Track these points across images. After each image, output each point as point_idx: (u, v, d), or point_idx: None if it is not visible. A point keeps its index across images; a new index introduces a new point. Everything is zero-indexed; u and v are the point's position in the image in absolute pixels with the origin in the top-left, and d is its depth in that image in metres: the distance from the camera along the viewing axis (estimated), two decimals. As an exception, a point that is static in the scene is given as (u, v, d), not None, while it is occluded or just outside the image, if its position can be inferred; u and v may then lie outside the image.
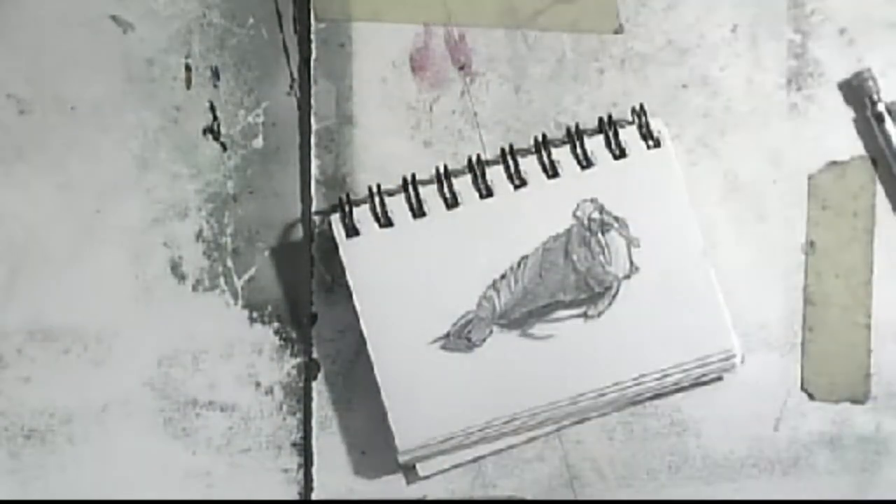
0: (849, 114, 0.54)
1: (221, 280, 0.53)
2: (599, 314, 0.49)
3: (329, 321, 0.52)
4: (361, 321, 0.49)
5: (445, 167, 0.49)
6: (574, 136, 0.50)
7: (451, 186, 0.49)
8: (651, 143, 0.50)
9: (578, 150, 0.49)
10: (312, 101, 0.53)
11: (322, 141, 0.53)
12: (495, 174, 0.49)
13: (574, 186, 0.49)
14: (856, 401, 0.52)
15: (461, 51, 0.53)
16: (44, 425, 0.52)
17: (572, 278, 0.49)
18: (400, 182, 0.51)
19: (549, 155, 0.49)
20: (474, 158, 0.49)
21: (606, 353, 0.49)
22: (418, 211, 0.49)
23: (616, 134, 0.50)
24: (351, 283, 0.49)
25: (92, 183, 0.52)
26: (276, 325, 0.53)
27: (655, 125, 0.50)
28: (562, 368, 0.49)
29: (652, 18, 0.54)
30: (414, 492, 0.52)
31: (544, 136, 0.49)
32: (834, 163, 0.53)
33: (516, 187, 0.49)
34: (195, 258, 0.53)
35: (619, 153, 0.50)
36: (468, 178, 0.50)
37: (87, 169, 0.52)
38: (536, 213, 0.49)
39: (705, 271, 0.49)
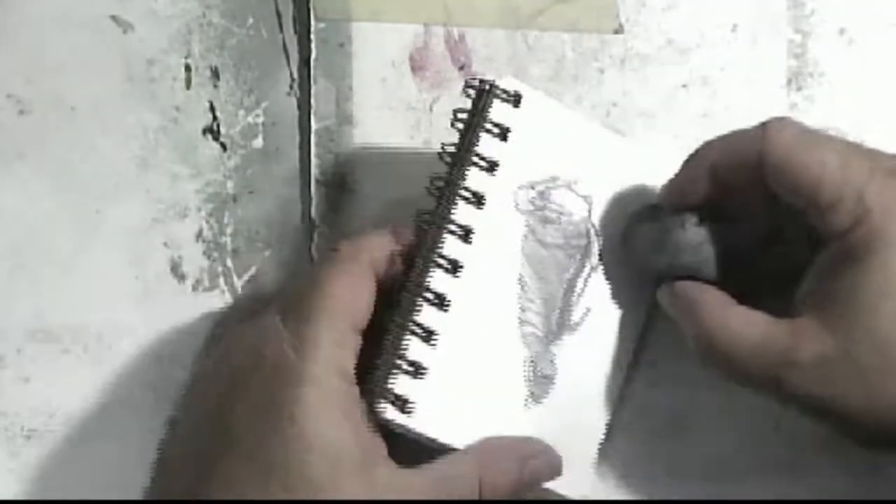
0: (849, 114, 0.54)
1: (221, 280, 0.53)
2: (600, 257, 0.50)
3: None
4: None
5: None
6: (466, 156, 0.48)
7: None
8: (514, 100, 0.49)
9: (482, 163, 0.48)
10: (312, 101, 0.53)
11: (322, 141, 0.53)
12: (446, 248, 0.48)
13: (499, 193, 0.48)
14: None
15: (461, 51, 0.53)
16: (44, 425, 0.52)
17: (560, 254, 0.49)
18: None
19: (467, 190, 0.48)
20: (419, 253, 0.48)
21: (630, 275, 0.50)
22: (440, 303, 0.48)
23: (493, 122, 0.48)
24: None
25: (92, 183, 0.52)
26: (276, 325, 0.53)
27: (508, 85, 0.49)
28: (616, 322, 0.50)
29: (652, 18, 0.54)
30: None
31: (439, 186, 0.48)
32: (834, 163, 0.53)
33: (466, 239, 0.48)
34: (195, 258, 0.53)
35: (503, 132, 0.48)
36: (433, 273, 0.48)
37: (87, 169, 0.52)
38: (497, 241, 0.48)
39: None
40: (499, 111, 0.48)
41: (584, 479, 0.50)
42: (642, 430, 0.52)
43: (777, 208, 0.45)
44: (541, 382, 0.49)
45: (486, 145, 0.48)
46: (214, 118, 0.53)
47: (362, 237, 0.47)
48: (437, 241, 0.47)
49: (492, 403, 0.48)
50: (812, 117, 0.53)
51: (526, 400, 0.49)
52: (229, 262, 0.53)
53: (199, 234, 0.53)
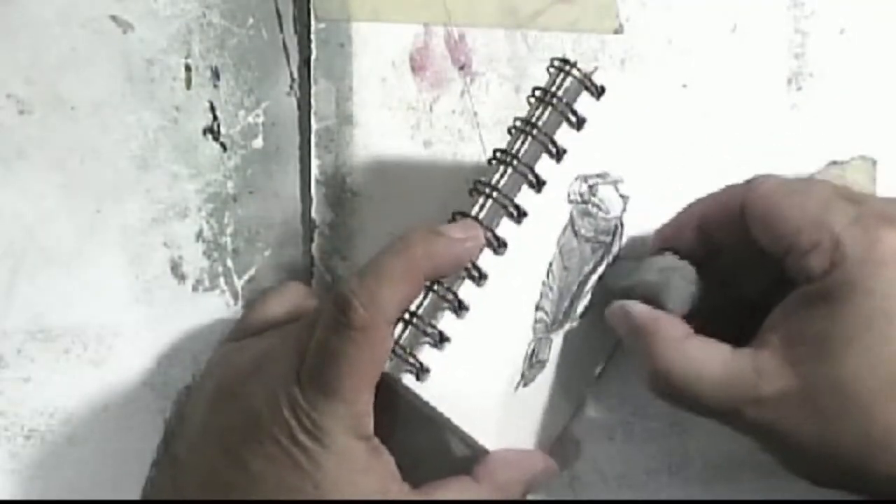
0: (849, 114, 0.54)
1: (221, 280, 0.53)
2: (613, 256, 0.50)
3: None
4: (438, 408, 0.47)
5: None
6: (541, 139, 0.48)
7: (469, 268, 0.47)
8: (597, 91, 0.49)
9: (550, 147, 0.48)
10: (312, 101, 0.53)
11: (322, 141, 0.53)
12: (495, 218, 0.48)
13: (560, 182, 0.48)
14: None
15: (461, 51, 0.54)
16: (44, 425, 0.52)
17: (587, 248, 0.49)
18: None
19: (533, 174, 0.48)
20: (469, 215, 0.47)
21: None
22: (460, 308, 0.47)
23: (568, 106, 0.48)
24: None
25: (92, 183, 0.52)
26: (276, 325, 0.53)
27: (598, 78, 0.49)
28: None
29: (652, 18, 0.54)
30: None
31: (514, 154, 0.48)
32: (834, 163, 0.53)
33: (519, 220, 0.48)
34: (195, 258, 0.53)
35: (579, 122, 0.48)
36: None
37: (87, 169, 0.52)
38: (541, 227, 0.48)
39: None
40: (583, 103, 0.48)
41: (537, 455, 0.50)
42: (642, 430, 0.52)
43: (759, 259, 0.45)
44: (535, 367, 0.49)
45: (564, 134, 0.48)
46: (214, 118, 0.53)
47: (377, 295, 0.44)
48: (494, 219, 0.47)
49: (490, 380, 0.48)
50: (812, 117, 0.53)
51: (518, 382, 0.49)
52: (229, 262, 0.53)
53: (200, 234, 0.53)
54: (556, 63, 0.48)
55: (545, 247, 0.49)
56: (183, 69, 0.53)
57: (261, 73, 0.53)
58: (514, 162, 0.47)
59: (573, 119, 0.48)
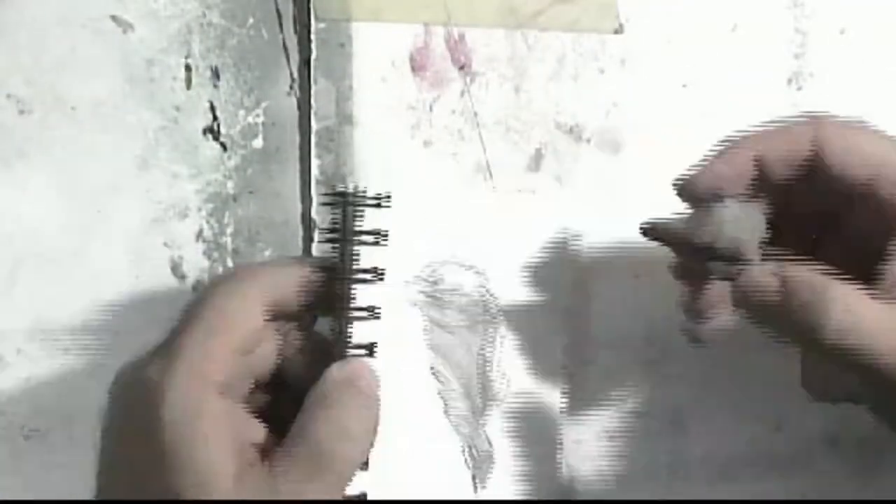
0: (849, 114, 0.54)
1: (221, 280, 0.53)
2: (499, 320, 0.50)
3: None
4: None
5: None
6: (347, 278, 0.45)
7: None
8: (378, 203, 0.45)
9: (367, 277, 0.44)
10: (312, 101, 0.53)
11: (322, 141, 0.53)
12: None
13: (390, 296, 0.46)
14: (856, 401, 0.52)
15: (461, 51, 0.54)
16: (44, 425, 0.52)
17: (465, 333, 0.49)
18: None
19: (354, 311, 0.44)
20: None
21: (539, 326, 0.50)
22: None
23: (367, 233, 0.45)
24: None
25: (92, 183, 0.52)
26: (276, 325, 0.53)
27: (367, 189, 0.46)
28: (537, 378, 0.50)
29: (652, 18, 0.54)
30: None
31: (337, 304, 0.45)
32: (834, 163, 0.53)
33: (370, 353, 0.45)
34: (195, 258, 0.53)
35: (379, 238, 0.45)
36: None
37: (87, 169, 0.52)
38: (397, 345, 0.46)
39: None
40: (369, 218, 0.45)
41: None
42: (642, 430, 0.52)
43: (828, 198, 0.44)
44: (482, 461, 0.49)
45: (367, 258, 0.45)
46: (214, 118, 0.53)
47: (264, 263, 0.44)
48: (342, 353, 0.44)
49: (442, 494, 0.47)
50: (812, 117, 0.53)
51: (475, 483, 0.48)
52: (229, 262, 0.53)
53: (200, 234, 0.53)
54: (324, 197, 0.46)
55: (415, 359, 0.47)
56: (183, 69, 0.53)
57: (261, 73, 0.53)
58: (340, 303, 0.44)
59: (369, 239, 0.45)
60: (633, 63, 0.53)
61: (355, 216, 0.45)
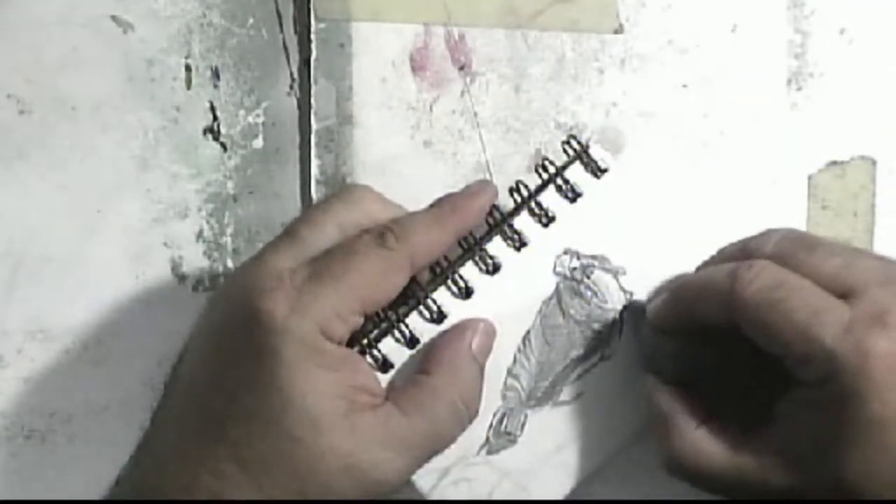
0: (849, 114, 0.54)
1: (221, 280, 0.53)
2: (614, 350, 0.49)
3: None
4: None
5: (423, 289, 0.47)
6: (527, 200, 0.48)
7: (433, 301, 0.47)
8: (597, 170, 0.48)
9: (538, 212, 0.48)
10: (312, 101, 0.53)
11: (322, 141, 0.53)
12: (468, 272, 0.47)
13: (544, 247, 0.48)
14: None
15: (461, 51, 0.54)
16: (44, 425, 0.52)
17: (577, 332, 0.49)
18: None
19: (513, 230, 0.47)
20: (444, 264, 0.47)
21: (637, 379, 0.49)
22: (438, 318, 0.47)
23: (565, 180, 0.48)
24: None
25: (92, 183, 0.52)
26: (276, 325, 0.53)
27: (596, 154, 0.48)
28: (605, 418, 0.49)
29: (652, 18, 0.54)
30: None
31: (499, 211, 0.48)
32: (834, 163, 0.53)
33: (492, 273, 0.47)
34: (195, 258, 0.53)
35: (574, 195, 0.48)
36: (444, 289, 0.47)
37: (87, 169, 0.52)
38: (520, 289, 0.48)
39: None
40: (576, 173, 0.48)
41: None
42: (642, 430, 0.52)
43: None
44: (502, 437, 0.48)
45: (551, 198, 0.48)
46: (214, 118, 0.53)
47: (411, 229, 0.45)
48: (459, 261, 0.47)
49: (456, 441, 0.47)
50: (812, 117, 0.53)
51: (482, 447, 0.48)
52: (229, 262, 0.53)
53: (200, 234, 0.53)
54: (566, 139, 0.48)
55: (521, 311, 0.48)
56: (183, 69, 0.53)
57: (261, 73, 0.53)
58: (498, 217, 0.47)
59: (564, 188, 0.48)
60: (633, 63, 0.53)
61: (567, 166, 0.48)
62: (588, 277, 0.48)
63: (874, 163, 0.53)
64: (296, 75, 0.53)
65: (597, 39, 0.54)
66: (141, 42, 0.53)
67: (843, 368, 0.41)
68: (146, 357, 0.52)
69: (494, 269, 0.47)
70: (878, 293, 0.43)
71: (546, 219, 0.48)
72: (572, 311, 0.48)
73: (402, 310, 0.46)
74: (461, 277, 0.47)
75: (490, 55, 0.53)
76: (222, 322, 0.44)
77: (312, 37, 0.53)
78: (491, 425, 0.48)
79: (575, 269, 0.48)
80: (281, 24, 0.53)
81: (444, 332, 0.47)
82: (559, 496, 0.49)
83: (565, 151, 0.49)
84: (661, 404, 0.47)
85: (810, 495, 0.43)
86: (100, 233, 0.52)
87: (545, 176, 0.48)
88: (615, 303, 0.49)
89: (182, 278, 0.53)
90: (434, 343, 0.46)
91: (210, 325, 0.45)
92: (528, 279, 0.48)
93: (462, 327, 0.47)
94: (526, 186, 0.48)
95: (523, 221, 0.48)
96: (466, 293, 0.47)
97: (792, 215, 0.53)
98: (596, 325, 0.49)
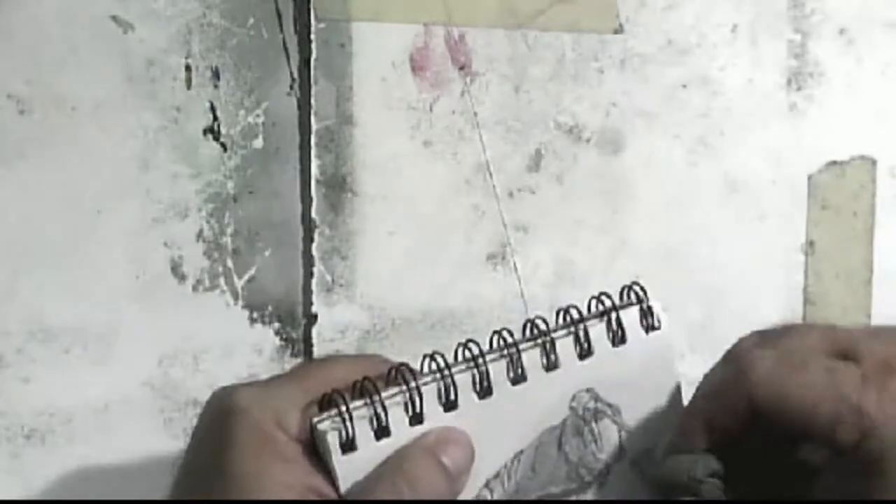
0: (849, 114, 0.54)
1: (221, 280, 0.53)
2: (586, 501, 0.48)
3: (329, 321, 0.52)
4: None
5: (448, 367, 0.45)
6: (577, 328, 0.46)
7: (449, 390, 0.45)
8: (650, 325, 0.47)
9: (582, 341, 0.46)
10: (312, 101, 0.53)
11: (322, 141, 0.53)
12: (496, 370, 0.45)
13: (572, 378, 0.46)
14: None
15: (461, 51, 0.54)
16: (44, 425, 0.52)
17: (564, 469, 0.47)
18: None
19: (553, 348, 0.46)
20: (475, 352, 0.45)
21: None
22: (415, 418, 0.45)
23: (619, 321, 0.47)
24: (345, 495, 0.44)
25: (92, 183, 0.52)
26: (276, 325, 0.53)
27: (656, 309, 0.47)
28: None
29: (652, 18, 0.54)
30: None
31: (546, 325, 0.46)
32: (834, 163, 0.53)
33: (515, 383, 0.46)
34: (195, 258, 0.53)
35: (620, 339, 0.47)
36: (468, 376, 0.45)
37: (87, 169, 0.52)
38: (534, 407, 0.46)
39: None
40: (631, 319, 0.46)
41: None
42: (642, 430, 0.52)
43: (776, 438, 0.44)
44: None
45: (597, 333, 0.46)
46: (215, 118, 0.53)
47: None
48: (490, 353, 0.45)
49: None
50: (812, 117, 0.53)
51: None
52: (229, 262, 0.53)
53: (200, 234, 0.53)
54: (633, 289, 0.47)
55: (527, 430, 0.46)
56: (183, 69, 0.53)
57: (261, 73, 0.53)
58: (541, 326, 0.46)
59: (615, 328, 0.46)
60: (633, 63, 0.53)
61: (625, 309, 0.46)
62: (596, 422, 0.48)
63: (874, 163, 0.53)
64: (296, 75, 0.53)
65: (597, 39, 0.54)
66: (141, 42, 0.53)
67: (877, 419, 0.40)
68: (146, 357, 0.52)
69: (520, 378, 0.45)
70: (873, 345, 0.42)
71: (585, 351, 0.46)
72: (567, 449, 0.47)
73: (385, 394, 0.44)
74: (487, 374, 0.45)
75: (490, 55, 0.53)
76: (203, 414, 0.44)
77: (312, 37, 0.53)
78: None
79: (588, 409, 0.47)
80: (281, 24, 0.53)
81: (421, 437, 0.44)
82: None
83: (625, 295, 0.47)
84: None
85: None
86: (100, 233, 0.52)
87: (600, 308, 0.47)
88: (609, 456, 0.48)
89: (182, 278, 0.53)
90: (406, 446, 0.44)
91: (198, 418, 0.45)
92: (545, 402, 0.46)
93: (439, 436, 0.44)
94: (579, 311, 0.46)
95: (564, 345, 0.46)
96: (486, 391, 0.45)
97: (792, 215, 0.53)
98: (582, 471, 0.48)
